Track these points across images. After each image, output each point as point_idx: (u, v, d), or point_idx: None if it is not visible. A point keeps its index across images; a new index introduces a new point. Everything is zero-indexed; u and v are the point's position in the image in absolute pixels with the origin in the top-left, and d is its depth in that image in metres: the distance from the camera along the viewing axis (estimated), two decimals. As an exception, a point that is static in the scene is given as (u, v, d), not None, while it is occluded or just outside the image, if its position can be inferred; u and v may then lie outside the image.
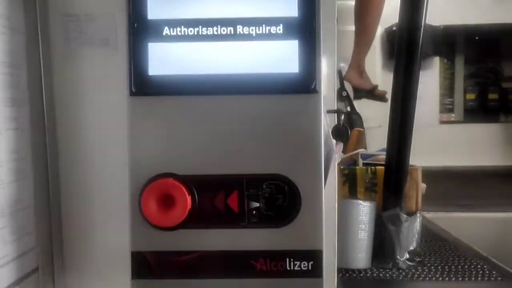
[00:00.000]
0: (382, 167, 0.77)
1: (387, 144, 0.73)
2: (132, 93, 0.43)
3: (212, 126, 0.44)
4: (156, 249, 0.44)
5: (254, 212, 0.44)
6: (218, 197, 0.44)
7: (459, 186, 1.87)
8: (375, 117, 1.55)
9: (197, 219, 0.43)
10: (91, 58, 0.53)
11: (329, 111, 0.50)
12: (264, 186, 0.44)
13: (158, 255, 0.44)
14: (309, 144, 0.44)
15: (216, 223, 0.44)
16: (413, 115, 0.72)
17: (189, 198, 0.43)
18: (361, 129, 0.97)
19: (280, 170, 0.44)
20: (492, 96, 2.93)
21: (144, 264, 0.44)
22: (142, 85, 0.43)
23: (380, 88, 2.40)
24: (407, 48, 0.70)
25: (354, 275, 0.69)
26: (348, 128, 0.50)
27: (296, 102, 0.44)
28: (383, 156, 0.81)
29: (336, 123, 0.53)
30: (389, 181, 0.73)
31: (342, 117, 0.51)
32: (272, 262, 0.44)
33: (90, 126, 0.53)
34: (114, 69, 0.51)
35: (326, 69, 0.49)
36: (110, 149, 0.52)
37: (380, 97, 1.30)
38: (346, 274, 0.69)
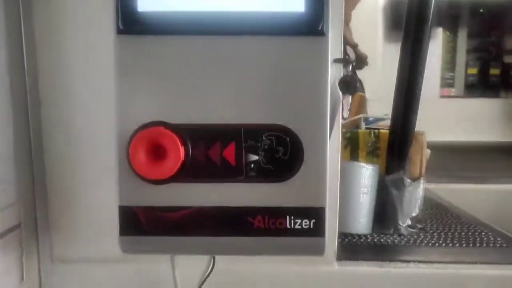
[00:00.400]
0: (386, 131, 0.73)
1: (393, 105, 0.70)
2: (119, 31, 0.39)
3: (208, 70, 0.40)
4: (145, 204, 0.40)
5: (252, 165, 0.40)
6: (213, 148, 0.40)
7: (457, 160, 1.85)
8: (375, 89, 1.52)
9: (190, 172, 0.40)
10: (75, -3, 0.48)
11: (335, 60, 0.46)
12: (263, 137, 0.40)
13: (147, 210, 0.41)
14: (314, 93, 0.40)
15: (211, 176, 0.40)
16: (422, 77, 0.69)
17: (182, 149, 0.39)
18: (363, 94, 0.93)
19: (281, 120, 0.40)
20: (494, 71, 2.89)
21: (132, 220, 0.41)
22: (130, 22, 0.39)
23: (382, 59, 2.33)
24: (417, 14, 0.66)
25: (354, 240, 0.66)
26: (356, 79, 0.46)
27: (301, 45, 0.40)
28: (386, 123, 0.78)
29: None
30: (393, 144, 0.70)
31: (351, 67, 0.47)
32: (271, 220, 0.41)
33: (74, 70, 0.49)
34: (100, 8, 0.46)
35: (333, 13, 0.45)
36: (97, 95, 0.48)
37: (361, 59, 1.23)
38: (345, 239, 0.66)
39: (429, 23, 0.67)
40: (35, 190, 0.50)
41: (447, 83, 2.91)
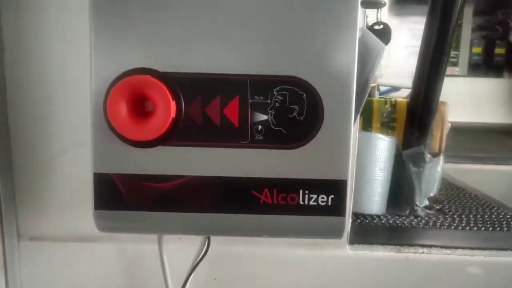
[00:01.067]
0: (404, 100, 0.65)
1: (415, 73, 0.63)
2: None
3: (208, 5, 0.32)
4: (126, 171, 0.34)
5: (259, 126, 0.33)
6: (212, 104, 0.33)
7: (460, 140, 1.79)
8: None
9: (182, 133, 0.33)
10: None
11: (363, 3, 0.37)
12: (275, 93, 0.33)
13: (129, 179, 0.34)
14: (339, 39, 0.33)
15: (208, 139, 0.33)
16: (451, 43, 0.61)
17: (173, 104, 0.32)
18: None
19: (297, 72, 0.33)
20: (499, 50, 2.82)
21: (110, 190, 0.34)
22: None
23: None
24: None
25: (367, 221, 0.59)
26: (389, 26, 0.38)
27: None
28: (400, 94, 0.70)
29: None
30: (414, 115, 0.62)
31: (381, 12, 0.39)
32: (281, 194, 0.34)
33: (44, 11, 0.40)
34: None
35: None
36: (71, 39, 0.39)
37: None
38: (357, 220, 0.59)
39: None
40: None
41: (450, 61, 2.83)
